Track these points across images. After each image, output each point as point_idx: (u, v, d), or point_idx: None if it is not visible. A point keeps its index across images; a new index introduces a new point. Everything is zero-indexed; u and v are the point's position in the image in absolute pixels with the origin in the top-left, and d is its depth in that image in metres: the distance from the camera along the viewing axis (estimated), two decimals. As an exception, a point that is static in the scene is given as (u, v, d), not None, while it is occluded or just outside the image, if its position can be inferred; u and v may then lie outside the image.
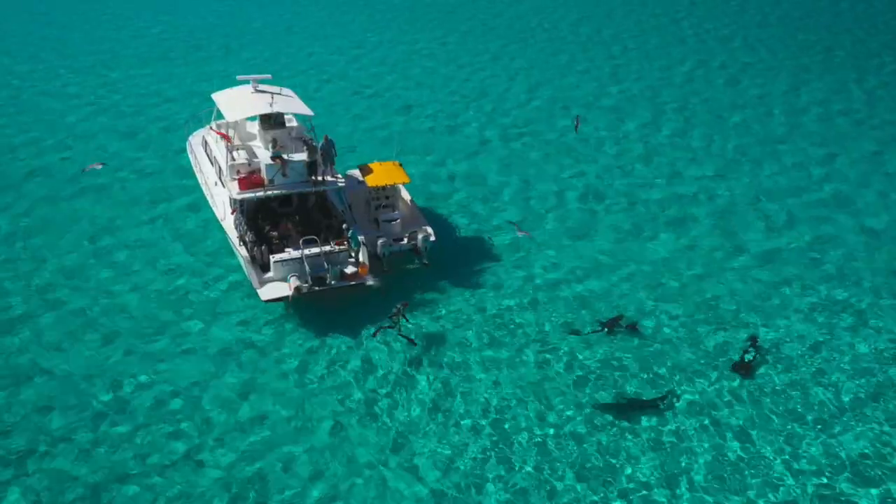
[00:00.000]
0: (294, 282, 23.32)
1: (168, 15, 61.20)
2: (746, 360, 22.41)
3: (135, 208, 30.43)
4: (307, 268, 23.88)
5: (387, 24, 59.70)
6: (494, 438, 19.67)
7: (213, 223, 28.01)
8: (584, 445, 19.47)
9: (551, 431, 19.89)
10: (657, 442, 19.64)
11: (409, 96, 44.04)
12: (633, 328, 23.75)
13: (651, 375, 21.92)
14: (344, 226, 25.62)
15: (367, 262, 24.58)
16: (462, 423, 20.16)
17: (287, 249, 24.54)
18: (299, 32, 57.19)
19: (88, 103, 41.90)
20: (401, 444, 19.47)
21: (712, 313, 24.84)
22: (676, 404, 20.84)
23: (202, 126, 30.59)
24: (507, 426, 20.11)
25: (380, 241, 25.52)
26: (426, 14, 62.93)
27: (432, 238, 26.20)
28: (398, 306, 22.81)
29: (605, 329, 23.60)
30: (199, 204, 30.01)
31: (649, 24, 60.09)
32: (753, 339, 23.32)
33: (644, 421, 20.27)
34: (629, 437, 19.78)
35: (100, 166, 31.29)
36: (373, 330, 23.07)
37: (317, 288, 23.68)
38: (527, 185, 33.45)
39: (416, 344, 22.75)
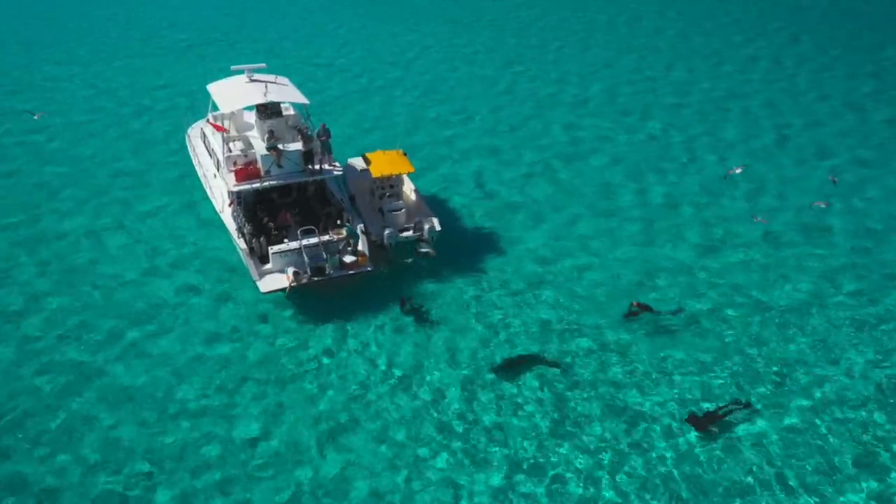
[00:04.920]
0: (292, 272, 23.11)
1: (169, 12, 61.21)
2: (715, 413, 19.16)
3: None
4: (306, 258, 23.58)
5: (424, 23, 58.48)
6: (497, 431, 19.14)
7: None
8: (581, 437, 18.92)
9: (546, 419, 19.35)
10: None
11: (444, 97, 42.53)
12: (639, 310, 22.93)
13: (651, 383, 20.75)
14: (343, 218, 25.18)
15: (366, 252, 24.27)
16: (463, 414, 19.60)
17: (286, 240, 24.24)
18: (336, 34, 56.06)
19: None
20: (393, 435, 19.01)
21: (759, 341, 22.35)
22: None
23: (200, 118, 30.35)
24: (505, 418, 19.58)
25: (386, 232, 25.05)
26: (447, 13, 61.66)
27: (437, 228, 25.66)
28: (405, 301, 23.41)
29: (636, 309, 22.93)
30: (197, 200, 29.63)
31: (694, 20, 57.65)
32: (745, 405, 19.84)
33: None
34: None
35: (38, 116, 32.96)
36: (377, 318, 23.04)
37: (316, 278, 23.30)
38: (535, 180, 32.42)
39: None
